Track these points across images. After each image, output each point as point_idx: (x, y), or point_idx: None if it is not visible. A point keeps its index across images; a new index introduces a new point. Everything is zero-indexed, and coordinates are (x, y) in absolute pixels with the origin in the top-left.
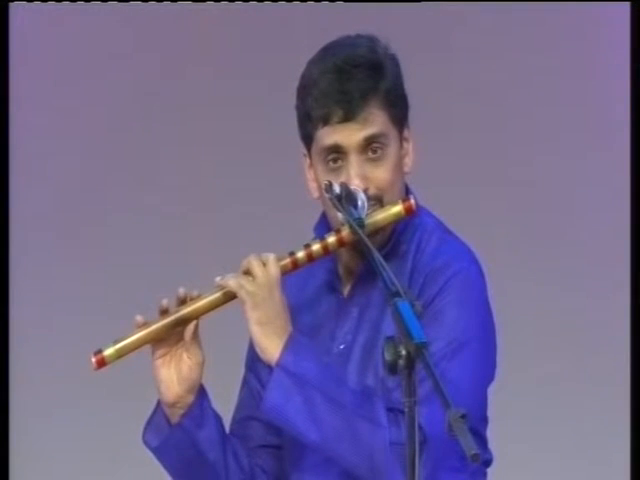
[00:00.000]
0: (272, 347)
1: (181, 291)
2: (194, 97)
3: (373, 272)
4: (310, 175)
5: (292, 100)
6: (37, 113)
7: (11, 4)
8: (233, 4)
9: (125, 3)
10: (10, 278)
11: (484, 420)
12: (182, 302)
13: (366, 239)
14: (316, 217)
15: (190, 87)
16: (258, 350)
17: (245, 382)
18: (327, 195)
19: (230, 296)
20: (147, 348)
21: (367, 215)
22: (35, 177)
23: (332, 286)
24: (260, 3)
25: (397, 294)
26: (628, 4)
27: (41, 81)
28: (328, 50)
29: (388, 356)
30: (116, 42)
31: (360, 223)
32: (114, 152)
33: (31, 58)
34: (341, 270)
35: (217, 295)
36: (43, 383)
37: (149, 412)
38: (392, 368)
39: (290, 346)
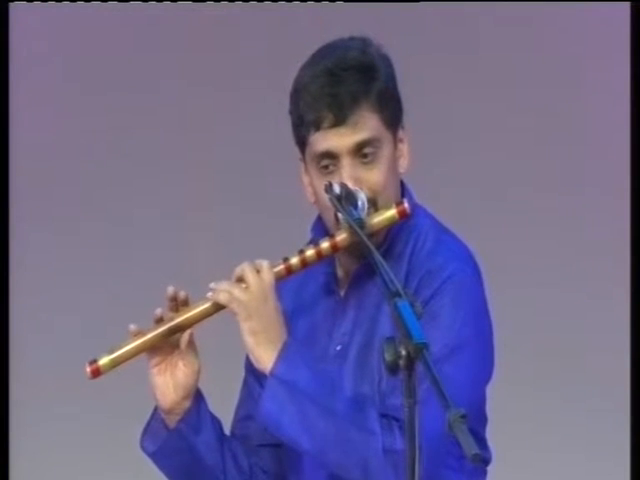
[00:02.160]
0: (266, 356)
1: (170, 289)
2: (194, 97)
3: (370, 273)
4: (306, 180)
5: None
6: (37, 113)
7: (11, 4)
8: (233, 4)
9: (125, 3)
10: (10, 279)
11: (482, 420)
12: (173, 301)
13: (366, 239)
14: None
15: (190, 87)
16: (252, 359)
17: (245, 382)
18: (327, 195)
19: (223, 305)
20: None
21: None
22: (35, 177)
23: (329, 287)
24: (260, 3)
25: (397, 294)
26: (628, 4)
27: (41, 81)
28: (319, 54)
29: (388, 356)
30: (116, 42)
31: (360, 223)
32: (115, 152)
33: (31, 58)
34: (339, 272)
35: (210, 304)
36: (43, 384)
37: (148, 416)
38: (392, 368)
39: (284, 354)
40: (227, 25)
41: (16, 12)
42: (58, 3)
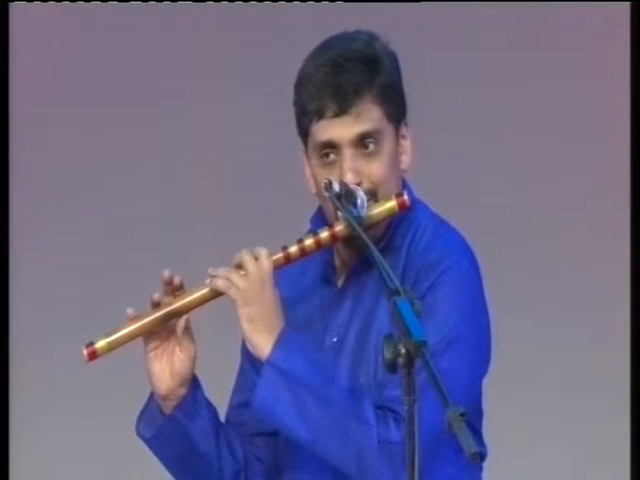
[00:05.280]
0: (263, 343)
1: (166, 273)
2: (194, 96)
3: (368, 265)
4: (308, 171)
5: (292, 99)
6: (37, 113)
7: (11, 4)
8: (233, 4)
9: (125, 3)
10: (10, 277)
11: (478, 413)
12: (168, 284)
13: (366, 238)
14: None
15: (190, 86)
16: (249, 346)
17: (241, 369)
18: (327, 194)
19: (221, 291)
20: (142, 341)
21: None
22: (35, 175)
23: (327, 278)
24: (260, 3)
25: (397, 292)
26: (628, 4)
27: (41, 81)
28: (324, 45)
29: (388, 354)
30: (116, 42)
31: (360, 222)
32: (114, 151)
33: (31, 58)
34: (337, 262)
35: (208, 290)
36: (43, 383)
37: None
38: (391, 366)
39: (281, 342)
40: (227, 25)
41: (16, 12)
42: (58, 3)
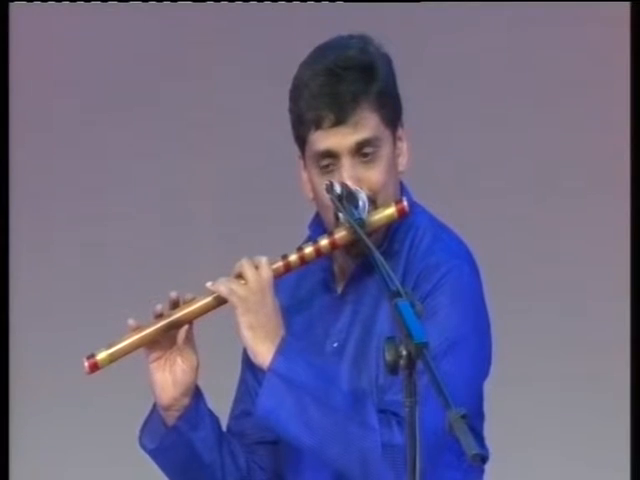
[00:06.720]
0: (264, 351)
1: (173, 295)
2: (194, 96)
3: (367, 270)
4: (304, 176)
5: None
6: (37, 113)
7: (11, 4)
8: (233, 4)
9: (125, 3)
10: (10, 276)
11: (480, 416)
12: (175, 305)
13: (367, 239)
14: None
15: (190, 86)
16: (250, 354)
17: (242, 379)
18: (328, 195)
19: (222, 300)
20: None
21: None
22: (35, 176)
23: (327, 284)
24: (260, 3)
25: (398, 294)
26: (628, 4)
27: (41, 81)
28: (319, 52)
29: (389, 356)
30: (116, 42)
31: (361, 223)
32: (114, 153)
33: (31, 58)
34: (336, 268)
35: (209, 299)
36: (43, 383)
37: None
38: (392, 368)
39: (282, 350)
40: (227, 25)
41: (16, 12)
42: (58, 3)
